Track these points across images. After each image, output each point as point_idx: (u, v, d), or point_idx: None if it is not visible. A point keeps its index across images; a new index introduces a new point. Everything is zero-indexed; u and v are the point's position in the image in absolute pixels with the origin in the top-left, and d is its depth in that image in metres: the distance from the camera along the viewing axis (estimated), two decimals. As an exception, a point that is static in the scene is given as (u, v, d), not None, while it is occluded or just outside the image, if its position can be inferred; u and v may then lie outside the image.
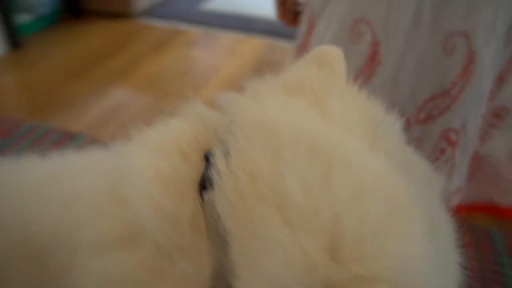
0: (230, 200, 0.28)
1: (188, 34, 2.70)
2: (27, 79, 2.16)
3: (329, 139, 0.30)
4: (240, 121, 0.32)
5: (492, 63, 0.65)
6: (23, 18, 2.49)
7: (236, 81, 1.58)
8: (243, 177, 0.28)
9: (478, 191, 0.83)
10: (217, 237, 0.29)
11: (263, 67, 2.17)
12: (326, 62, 0.38)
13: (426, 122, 0.69)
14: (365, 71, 0.64)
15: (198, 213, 0.31)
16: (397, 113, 0.66)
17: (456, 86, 0.65)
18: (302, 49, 0.78)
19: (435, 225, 0.30)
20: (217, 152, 0.31)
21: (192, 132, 0.36)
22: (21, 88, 2.14)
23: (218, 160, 0.30)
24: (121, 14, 2.80)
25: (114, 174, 0.35)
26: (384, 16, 0.61)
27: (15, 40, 2.35)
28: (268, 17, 2.68)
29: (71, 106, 1.95)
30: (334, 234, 0.25)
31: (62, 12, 2.74)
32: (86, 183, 0.37)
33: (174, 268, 0.30)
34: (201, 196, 0.31)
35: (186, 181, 0.32)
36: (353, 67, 0.62)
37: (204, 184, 0.31)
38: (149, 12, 2.90)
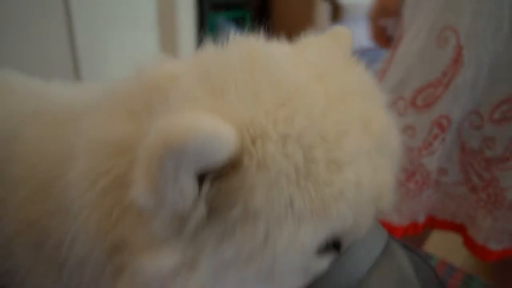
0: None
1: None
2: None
3: (273, 53, 0.37)
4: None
5: None
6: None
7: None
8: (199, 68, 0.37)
9: None
10: None
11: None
12: (334, 36, 0.44)
13: (500, 123, 0.73)
14: (450, 71, 0.71)
15: None
16: (474, 108, 0.72)
17: None
18: (390, 62, 0.81)
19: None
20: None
21: None
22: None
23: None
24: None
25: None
26: (468, 24, 0.68)
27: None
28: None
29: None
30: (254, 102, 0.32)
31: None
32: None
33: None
34: None
35: None
36: (438, 68, 0.72)
37: None
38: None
